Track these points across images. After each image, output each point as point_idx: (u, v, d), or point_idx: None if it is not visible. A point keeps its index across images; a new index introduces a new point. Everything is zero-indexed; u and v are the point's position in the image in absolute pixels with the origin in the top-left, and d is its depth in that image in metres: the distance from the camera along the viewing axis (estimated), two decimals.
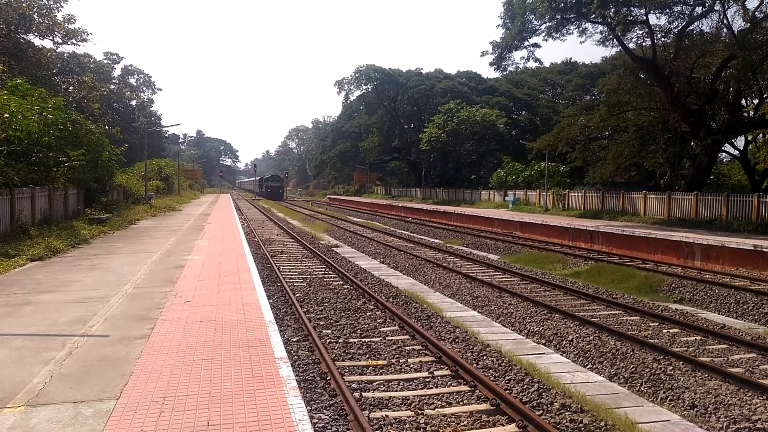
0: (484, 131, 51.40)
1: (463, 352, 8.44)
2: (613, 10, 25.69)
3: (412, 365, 7.76)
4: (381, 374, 7.46)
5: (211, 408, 4.93)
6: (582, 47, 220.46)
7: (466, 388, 6.92)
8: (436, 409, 6.28)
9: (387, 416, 6.05)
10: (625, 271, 16.86)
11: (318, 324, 9.88)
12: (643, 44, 29.36)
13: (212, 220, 28.81)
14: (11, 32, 29.91)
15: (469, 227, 32.87)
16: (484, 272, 16.68)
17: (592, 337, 9.85)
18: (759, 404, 7.09)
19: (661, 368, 8.33)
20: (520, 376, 7.32)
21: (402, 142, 64.00)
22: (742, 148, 33.64)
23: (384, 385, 7.02)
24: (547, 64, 66.07)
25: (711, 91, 27.03)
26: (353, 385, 6.96)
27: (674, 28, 27.77)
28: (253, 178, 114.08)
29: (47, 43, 34.67)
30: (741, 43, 23.69)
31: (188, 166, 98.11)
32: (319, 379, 7.03)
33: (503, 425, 5.97)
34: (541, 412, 6.29)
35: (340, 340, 8.92)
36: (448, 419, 6.06)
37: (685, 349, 9.38)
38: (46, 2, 32.67)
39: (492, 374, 7.48)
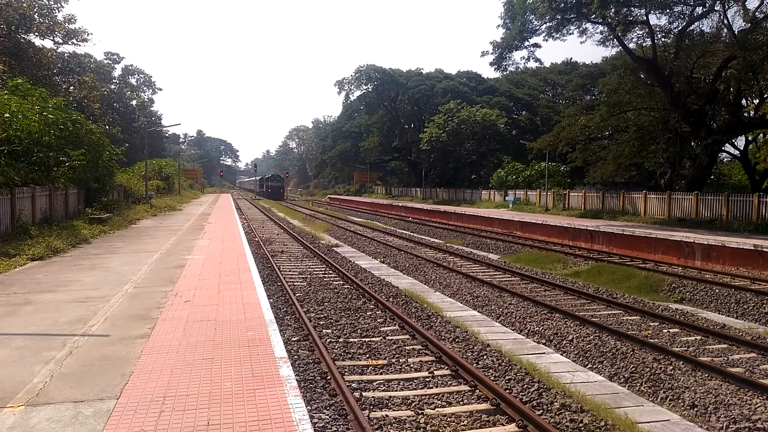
0: (485, 131, 51.40)
1: (464, 352, 8.44)
2: (613, 10, 25.69)
3: (412, 365, 7.76)
4: (381, 374, 7.46)
5: (211, 407, 4.93)
6: (582, 47, 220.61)
7: (466, 387, 6.92)
8: (436, 409, 6.28)
9: (387, 416, 6.05)
10: (625, 270, 16.86)
11: (318, 323, 9.88)
12: (644, 44, 29.37)
13: (212, 219, 28.81)
14: (12, 32, 29.92)
15: (470, 227, 32.87)
16: (485, 272, 16.68)
17: (592, 337, 9.85)
18: (759, 404, 7.09)
19: (661, 368, 8.33)
20: (520, 376, 7.32)
21: (402, 142, 63.99)
22: (742, 148, 33.63)
23: (384, 385, 7.02)
24: (547, 64, 66.19)
25: (711, 91, 27.02)
26: (353, 384, 6.96)
27: (674, 28, 27.81)
28: (254, 178, 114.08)
29: (48, 43, 34.75)
30: (741, 43, 23.68)
31: (188, 165, 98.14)
32: (319, 378, 7.03)
33: (503, 425, 5.97)
34: (541, 411, 6.29)
35: (341, 340, 8.92)
36: (448, 419, 6.06)
37: (686, 348, 9.37)
38: (47, 2, 32.67)
39: (492, 374, 7.48)
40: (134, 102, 64.83)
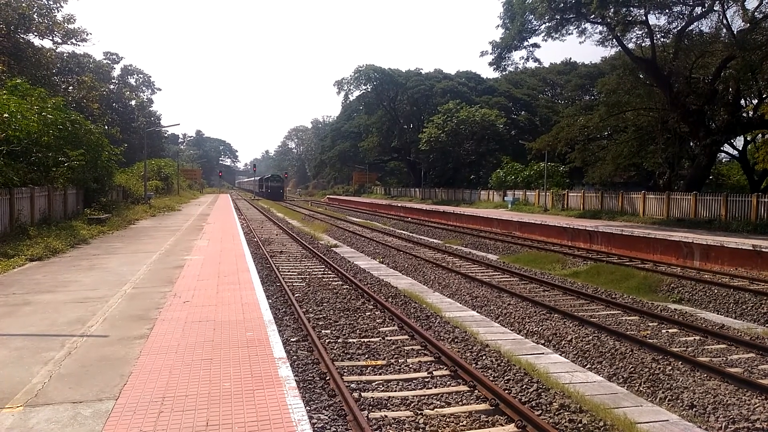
0: (484, 131, 51.42)
1: (463, 352, 8.44)
2: (612, 10, 25.71)
3: (411, 365, 7.76)
4: (380, 374, 7.46)
5: (210, 408, 4.93)
6: (581, 47, 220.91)
7: (465, 388, 6.92)
8: (435, 409, 6.28)
9: (386, 416, 6.05)
10: (624, 271, 16.87)
11: (317, 324, 9.88)
12: (643, 44, 29.40)
13: (211, 220, 28.80)
14: (11, 32, 29.89)
15: (469, 227, 32.88)
16: (484, 272, 16.69)
17: (591, 337, 9.86)
18: (758, 404, 7.10)
19: (660, 368, 8.33)
20: (519, 376, 7.33)
21: (401, 142, 64.01)
22: (741, 148, 33.65)
23: (383, 385, 7.02)
24: (546, 65, 66.17)
25: (710, 92, 27.05)
26: (352, 385, 6.96)
27: (674, 28, 27.84)
28: (253, 178, 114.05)
29: (47, 43, 34.71)
30: (740, 43, 23.71)
31: (187, 166, 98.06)
32: (318, 379, 7.03)
33: (502, 425, 5.98)
34: (540, 412, 6.29)
35: (339, 340, 8.92)
36: (447, 419, 6.06)
37: (684, 349, 9.38)
38: (46, 2, 32.66)
39: (491, 374, 7.49)
40: (133, 102, 64.80)
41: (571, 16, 28.72)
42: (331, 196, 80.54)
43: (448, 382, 7.18)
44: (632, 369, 8.37)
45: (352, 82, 64.23)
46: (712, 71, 27.19)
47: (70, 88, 39.74)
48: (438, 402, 6.52)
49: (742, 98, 29.72)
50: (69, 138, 21.83)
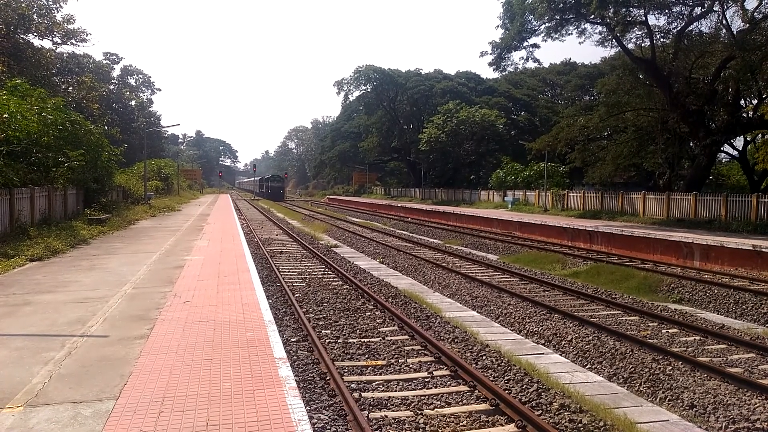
0: (484, 131, 51.43)
1: (463, 352, 8.44)
2: (612, 10, 25.72)
3: (411, 365, 7.77)
4: (380, 374, 7.46)
5: (210, 408, 4.93)
6: (581, 48, 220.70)
7: (465, 388, 6.92)
8: (436, 410, 6.28)
9: (386, 416, 6.05)
10: (624, 271, 16.88)
11: (317, 324, 9.88)
12: (642, 45, 29.41)
13: (211, 220, 28.81)
14: (11, 32, 29.91)
15: (469, 227, 32.88)
16: (484, 272, 16.69)
17: (591, 337, 9.86)
18: (758, 404, 7.10)
19: (660, 368, 8.33)
20: (520, 376, 7.33)
21: (401, 142, 64.02)
22: (741, 149, 33.65)
23: (383, 386, 7.02)
24: (546, 65, 66.25)
25: (710, 92, 27.06)
26: (352, 385, 6.96)
27: (673, 28, 27.84)
28: (253, 179, 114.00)
29: (46, 44, 34.75)
30: (740, 43, 23.72)
31: (187, 166, 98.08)
32: (318, 379, 7.03)
33: (502, 425, 5.98)
34: (540, 412, 6.29)
35: (340, 340, 8.92)
36: (448, 419, 6.06)
37: (684, 349, 9.38)
38: (46, 2, 32.67)
39: (491, 374, 7.49)
40: (133, 102, 64.83)
41: (571, 16, 28.73)
42: (331, 197, 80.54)
43: (449, 382, 7.18)
44: (632, 369, 8.37)
45: (351, 82, 64.26)
46: (711, 71, 27.20)
47: (70, 88, 39.77)
48: (438, 402, 6.52)
49: (741, 98, 29.73)
50: (69, 138, 21.84)
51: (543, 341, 9.84)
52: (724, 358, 8.92)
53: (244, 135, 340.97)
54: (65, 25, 33.76)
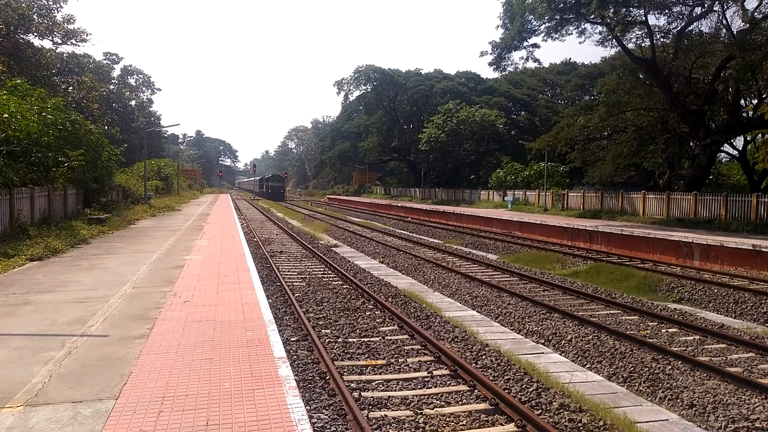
0: (484, 131, 51.43)
1: (462, 352, 8.45)
2: (612, 10, 25.72)
3: (411, 365, 7.77)
4: (380, 374, 7.46)
5: (210, 408, 4.93)
6: (581, 47, 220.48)
7: (465, 387, 6.92)
8: (435, 409, 6.28)
9: (386, 416, 6.05)
10: (624, 270, 16.88)
11: (317, 324, 9.88)
12: (643, 45, 29.41)
13: (211, 220, 28.81)
14: (11, 32, 29.90)
15: (469, 227, 32.88)
16: (483, 272, 16.69)
17: (590, 337, 9.86)
18: (758, 403, 7.10)
19: (659, 368, 8.34)
20: (519, 376, 7.33)
21: (401, 142, 64.02)
22: (741, 148, 33.67)
23: (383, 385, 7.02)
24: (546, 65, 66.27)
25: (710, 92, 27.05)
26: (352, 384, 6.96)
27: (673, 28, 27.84)
28: (253, 178, 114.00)
29: (47, 44, 34.74)
30: (740, 43, 23.72)
31: (187, 166, 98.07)
32: (318, 378, 7.03)
33: (502, 425, 5.98)
34: (540, 411, 6.30)
35: (339, 340, 8.93)
36: (447, 419, 6.07)
37: (684, 348, 9.39)
38: (46, 2, 32.67)
39: (491, 374, 7.49)
40: (133, 102, 64.82)
41: (571, 16, 28.73)
42: (331, 196, 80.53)
43: (448, 382, 7.18)
44: (632, 368, 8.37)
45: (351, 82, 64.25)
46: (711, 71, 27.19)
47: (70, 88, 39.76)
48: (438, 401, 6.52)
49: (741, 98, 29.73)
50: (69, 138, 21.83)
51: (543, 341, 9.84)
52: (724, 358, 8.93)
53: (244, 135, 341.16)
54: (65, 25, 33.75)
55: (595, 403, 6.48)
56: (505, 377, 7.34)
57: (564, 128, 33.10)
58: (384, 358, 8.05)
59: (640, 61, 28.26)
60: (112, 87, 60.89)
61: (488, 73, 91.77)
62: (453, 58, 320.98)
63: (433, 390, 6.86)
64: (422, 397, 6.65)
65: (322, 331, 9.45)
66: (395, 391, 6.87)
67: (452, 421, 6.00)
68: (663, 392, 7.54)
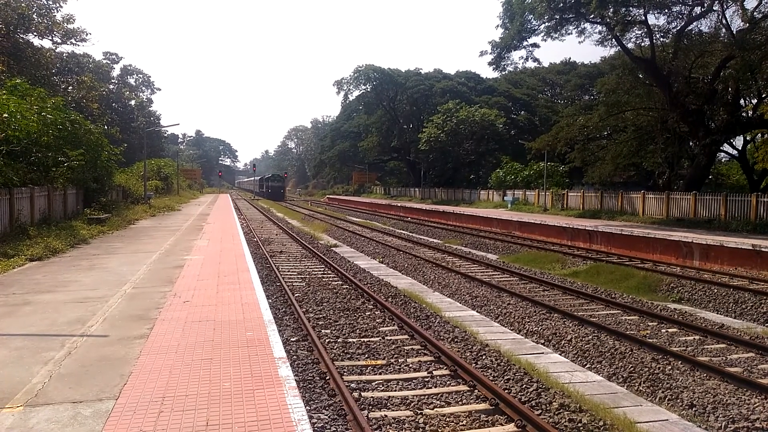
0: (483, 131, 51.44)
1: (462, 352, 8.45)
2: (611, 10, 25.72)
3: (411, 365, 7.77)
4: (380, 374, 7.46)
5: (210, 408, 4.93)
6: (581, 47, 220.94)
7: (465, 387, 6.92)
8: (435, 409, 6.28)
9: (386, 416, 6.05)
10: (623, 270, 16.88)
11: (317, 324, 9.88)
12: (642, 44, 29.43)
13: (211, 220, 28.80)
14: (10, 32, 29.87)
15: (468, 227, 32.89)
16: (483, 272, 16.69)
17: (590, 337, 9.86)
18: (757, 403, 7.11)
19: (659, 368, 8.34)
20: (519, 376, 7.33)
21: (401, 142, 64.02)
22: (740, 148, 33.69)
23: (383, 385, 7.02)
24: (546, 64, 66.28)
25: (710, 91, 27.06)
26: (352, 384, 6.96)
27: (673, 28, 27.85)
28: (253, 178, 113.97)
29: (46, 43, 34.70)
30: (740, 43, 23.72)
31: (187, 166, 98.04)
32: (318, 379, 7.03)
33: (502, 425, 5.98)
34: (539, 411, 6.30)
35: (339, 340, 8.93)
36: (447, 419, 6.07)
37: (684, 348, 9.39)
38: (45, 2, 32.63)
39: (491, 374, 7.49)
40: (133, 102, 64.77)
41: (571, 16, 28.73)
42: (330, 196, 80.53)
43: (448, 382, 7.18)
44: (632, 368, 8.37)
45: (351, 82, 64.25)
46: (711, 71, 27.20)
47: (70, 88, 39.71)
48: (438, 402, 6.52)
49: (741, 98, 29.74)
50: (69, 138, 21.83)
51: (543, 341, 9.85)
52: (724, 358, 8.93)
53: (244, 135, 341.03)
54: (65, 24, 33.71)
55: (595, 403, 6.48)
56: (505, 377, 7.34)
57: (564, 128, 33.11)
58: (384, 358, 8.05)
59: (639, 61, 28.27)
60: (111, 87, 60.85)
61: (488, 73, 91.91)
62: (453, 58, 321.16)
63: (433, 390, 6.86)
64: (422, 397, 6.65)
65: (322, 331, 9.45)
66: (395, 391, 6.87)
67: (452, 422, 6.01)
68: (663, 392, 7.55)
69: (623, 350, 9.12)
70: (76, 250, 15.69)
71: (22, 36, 31.20)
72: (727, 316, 12.17)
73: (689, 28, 27.48)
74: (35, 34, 32.40)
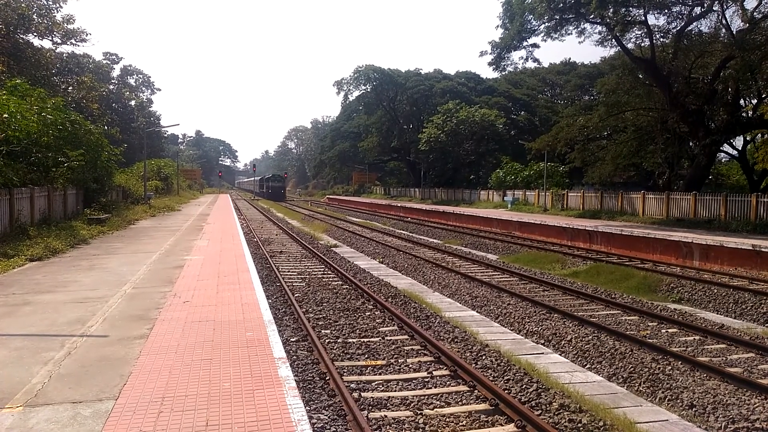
0: (483, 131, 51.44)
1: (462, 352, 8.45)
2: (611, 10, 25.72)
3: (411, 365, 7.77)
4: (380, 374, 7.46)
5: (210, 408, 4.93)
6: (581, 47, 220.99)
7: (465, 388, 6.92)
8: (435, 409, 6.28)
9: (386, 416, 6.05)
10: (623, 270, 16.88)
11: (317, 324, 9.88)
12: (642, 44, 29.43)
13: (211, 220, 28.80)
14: (10, 32, 29.89)
15: (468, 227, 32.88)
16: (483, 272, 16.69)
17: (590, 337, 9.86)
18: (757, 404, 7.10)
19: (659, 368, 8.34)
20: (519, 376, 7.33)
21: (401, 142, 64.02)
22: (740, 148, 33.69)
23: (383, 385, 7.02)
24: (546, 65, 66.31)
25: (710, 91, 27.07)
26: (352, 385, 6.96)
27: (673, 28, 27.86)
28: (253, 178, 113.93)
29: (46, 44, 34.73)
30: (739, 43, 23.73)
31: (187, 166, 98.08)
32: (318, 379, 7.03)
33: (502, 425, 5.98)
34: (539, 411, 6.30)
35: (339, 340, 8.93)
36: (447, 419, 6.06)
37: (684, 348, 9.39)
38: (45, 2, 32.65)
39: (491, 374, 7.49)
40: (133, 102, 64.80)
41: (571, 16, 28.74)
42: (330, 196, 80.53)
43: (448, 382, 7.18)
44: (632, 369, 8.37)
45: (351, 82, 64.24)
46: (711, 71, 27.21)
47: (70, 88, 39.72)
48: (438, 402, 6.52)
49: (741, 98, 29.75)
50: (69, 138, 21.83)
51: (542, 341, 9.84)
52: (724, 358, 8.93)
53: (244, 135, 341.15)
54: (65, 25, 33.73)
55: (595, 404, 6.48)
56: (505, 377, 7.34)
57: (564, 128, 33.11)
58: (384, 359, 8.05)
59: (639, 61, 28.27)
60: (111, 87, 60.85)
61: (488, 73, 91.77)
62: (453, 58, 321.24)
63: (433, 390, 6.86)
64: (422, 397, 6.65)
65: (322, 331, 9.45)
66: (395, 391, 6.86)
67: (452, 422, 6.00)
68: (663, 392, 7.54)
69: (623, 350, 9.11)
70: (76, 251, 15.69)
71: (22, 36, 31.21)
72: (727, 316, 12.17)
73: (689, 28, 27.51)
74: (35, 34, 32.42)
